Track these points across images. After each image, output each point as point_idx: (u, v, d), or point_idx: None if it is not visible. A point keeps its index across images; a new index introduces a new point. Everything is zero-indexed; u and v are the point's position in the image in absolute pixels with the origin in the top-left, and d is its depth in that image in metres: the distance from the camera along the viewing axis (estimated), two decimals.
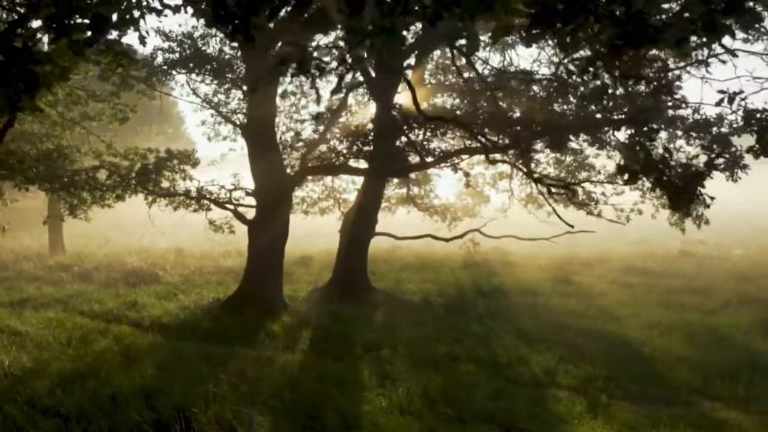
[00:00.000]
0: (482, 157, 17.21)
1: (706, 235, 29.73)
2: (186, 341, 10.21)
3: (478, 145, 10.51)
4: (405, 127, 10.53)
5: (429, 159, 11.25)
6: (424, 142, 11.00)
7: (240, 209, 13.31)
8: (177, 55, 13.44)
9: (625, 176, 5.18)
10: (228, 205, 12.78)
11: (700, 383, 8.16)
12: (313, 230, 25.91)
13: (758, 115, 7.27)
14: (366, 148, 11.41)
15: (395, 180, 20.05)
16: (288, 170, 12.95)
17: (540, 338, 10.38)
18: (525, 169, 11.07)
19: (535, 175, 11.69)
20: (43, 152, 13.29)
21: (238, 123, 13.41)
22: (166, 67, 13.05)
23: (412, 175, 16.71)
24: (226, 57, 12.98)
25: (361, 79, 12.23)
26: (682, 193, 3.92)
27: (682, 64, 15.00)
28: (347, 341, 10.10)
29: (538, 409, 7.09)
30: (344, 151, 11.80)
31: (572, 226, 13.42)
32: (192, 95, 14.21)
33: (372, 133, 11.26)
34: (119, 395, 6.84)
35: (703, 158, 8.32)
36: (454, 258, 20.66)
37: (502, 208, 19.95)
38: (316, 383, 7.49)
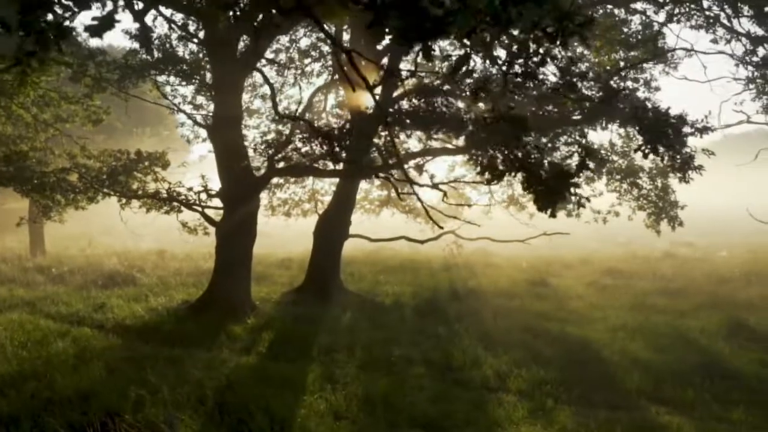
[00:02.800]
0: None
1: (695, 236, 29.69)
2: (144, 343, 10.19)
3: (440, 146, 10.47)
4: (369, 128, 10.51)
5: (392, 160, 11.21)
6: (387, 143, 10.98)
7: (212, 211, 13.31)
8: (148, 57, 13.45)
9: (487, 175, 5.13)
10: (196, 207, 12.76)
11: (651, 387, 8.07)
12: (304, 232, 26.00)
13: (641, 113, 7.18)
14: (332, 149, 11.37)
15: (377, 182, 20.07)
16: (256, 172, 12.91)
17: (501, 341, 10.31)
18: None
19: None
20: (14, 153, 13.31)
21: (204, 124, 13.40)
22: (131, 70, 13.04)
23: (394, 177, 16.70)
24: (194, 58, 12.99)
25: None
26: (550, 193, 3.85)
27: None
28: (305, 343, 10.06)
29: (477, 413, 7.03)
30: (310, 152, 11.77)
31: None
32: (163, 98, 14.14)
33: (338, 134, 11.22)
34: (58, 398, 6.82)
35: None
36: (436, 260, 20.62)
37: (484, 211, 19.93)
38: (257, 386, 7.45)
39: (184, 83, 13.08)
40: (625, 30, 13.35)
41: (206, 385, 7.49)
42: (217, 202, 12.94)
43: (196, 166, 18.11)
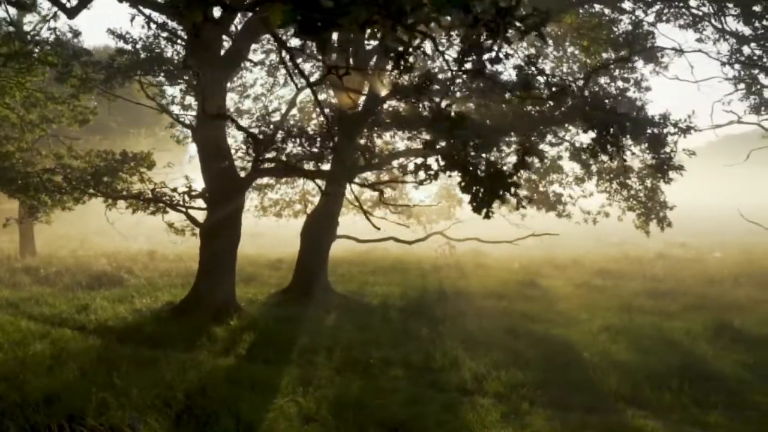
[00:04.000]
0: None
1: (690, 237, 29.56)
2: (124, 345, 10.13)
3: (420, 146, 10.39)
4: (350, 129, 10.43)
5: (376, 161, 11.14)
6: (368, 144, 10.91)
7: (200, 212, 13.24)
8: (134, 57, 13.42)
9: (421, 174, 5.04)
10: (180, 208, 12.70)
11: (629, 390, 7.97)
12: (299, 232, 25.93)
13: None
14: (315, 150, 11.31)
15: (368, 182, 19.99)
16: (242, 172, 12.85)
17: (483, 342, 10.22)
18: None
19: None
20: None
21: (187, 124, 13.34)
22: (117, 70, 13.00)
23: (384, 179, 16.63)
24: (179, 59, 12.94)
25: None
26: (487, 193, 3.75)
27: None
28: (285, 345, 9.99)
29: (449, 416, 6.95)
30: (294, 153, 11.70)
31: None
32: (148, 98, 14.09)
33: (319, 134, 11.15)
34: (25, 400, 6.76)
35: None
36: (428, 261, 20.55)
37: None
38: (228, 388, 7.39)
39: (168, 84, 13.01)
40: (615, 30, 13.27)
41: (177, 387, 7.42)
42: (202, 203, 12.88)
43: (186, 167, 18.04)
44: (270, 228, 25.20)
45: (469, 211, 19.26)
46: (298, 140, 11.02)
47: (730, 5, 11.13)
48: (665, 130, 8.91)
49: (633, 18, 14.76)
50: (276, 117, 14.87)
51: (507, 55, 3.99)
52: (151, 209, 13.56)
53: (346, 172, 10.55)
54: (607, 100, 9.61)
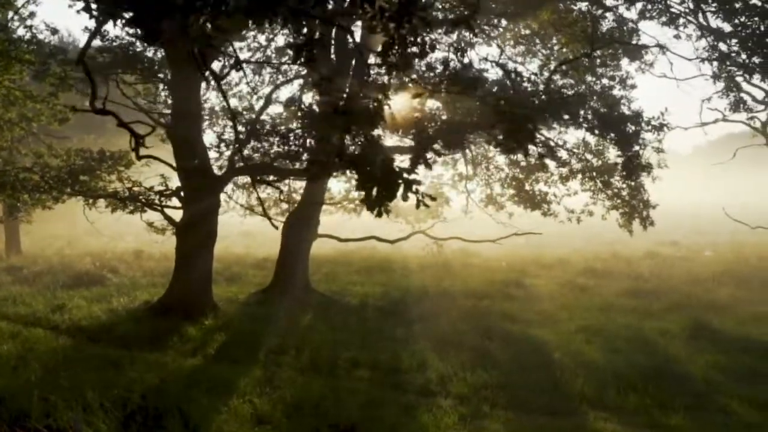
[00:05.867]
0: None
1: (685, 235, 29.37)
2: (93, 345, 10.07)
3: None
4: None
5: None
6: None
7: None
8: (112, 56, 13.33)
9: (313, 170, 4.93)
10: (156, 207, 12.62)
11: (594, 392, 7.85)
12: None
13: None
14: (289, 148, 11.20)
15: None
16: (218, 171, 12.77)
17: (456, 343, 10.10)
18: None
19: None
20: None
21: (163, 123, 13.25)
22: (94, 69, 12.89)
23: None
24: (153, 58, 12.86)
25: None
26: (380, 192, 3.64)
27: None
28: (255, 345, 9.90)
29: (406, 419, 6.85)
30: (269, 151, 11.60)
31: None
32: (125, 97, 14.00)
33: (294, 132, 11.05)
34: None
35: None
36: (415, 260, 20.43)
37: (462, 210, 19.70)
38: (186, 389, 7.31)
39: (143, 83, 12.93)
40: (588, 25, 13.11)
41: (136, 388, 7.35)
42: (178, 202, 12.80)
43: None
44: (260, 227, 25.09)
45: (456, 210, 19.07)
46: (271, 139, 10.92)
47: (709, 1, 10.98)
48: (636, 128, 8.75)
49: (617, 15, 14.64)
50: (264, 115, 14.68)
51: (432, 47, 3.87)
52: (130, 208, 13.50)
53: (321, 170, 10.44)
54: (567, 97, 9.45)
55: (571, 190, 16.24)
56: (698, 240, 25.96)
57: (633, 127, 8.66)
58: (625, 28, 15.26)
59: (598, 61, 15.68)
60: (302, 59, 3.00)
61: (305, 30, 2.90)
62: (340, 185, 19.89)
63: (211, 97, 16.99)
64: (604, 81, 15.87)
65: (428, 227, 16.08)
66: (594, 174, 14.52)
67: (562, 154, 14.62)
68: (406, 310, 13.02)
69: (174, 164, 12.36)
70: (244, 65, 14.15)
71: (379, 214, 3.85)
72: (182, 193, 12.18)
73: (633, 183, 12.87)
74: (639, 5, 13.42)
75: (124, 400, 6.83)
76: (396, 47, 3.63)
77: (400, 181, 3.76)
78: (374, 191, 3.76)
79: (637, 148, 8.98)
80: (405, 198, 3.85)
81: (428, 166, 5.39)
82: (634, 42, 14.78)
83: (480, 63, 15.70)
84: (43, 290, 14.50)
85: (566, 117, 9.00)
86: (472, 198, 18.53)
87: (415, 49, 3.75)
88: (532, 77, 10.77)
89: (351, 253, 21.32)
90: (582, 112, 8.83)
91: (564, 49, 14.75)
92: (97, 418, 6.13)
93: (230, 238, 30.21)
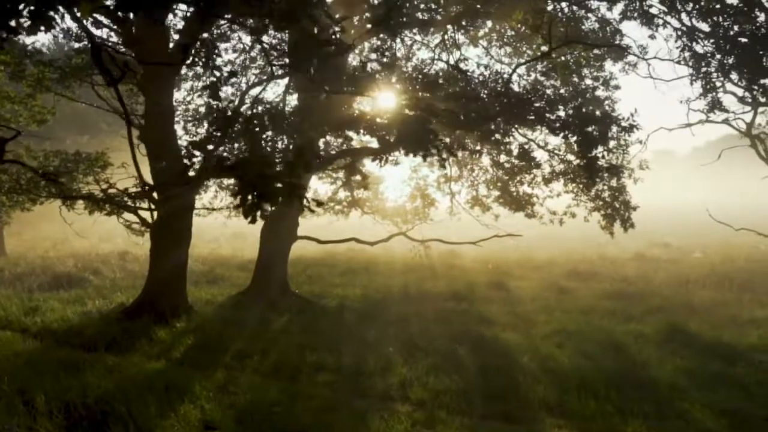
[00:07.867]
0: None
1: (675, 237, 29.17)
2: (60, 348, 9.99)
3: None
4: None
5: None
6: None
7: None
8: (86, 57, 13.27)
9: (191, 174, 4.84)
10: (129, 207, 12.52)
11: (555, 397, 7.73)
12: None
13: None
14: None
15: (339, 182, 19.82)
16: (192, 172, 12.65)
17: (424, 347, 9.99)
18: None
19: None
20: None
21: (136, 124, 13.15)
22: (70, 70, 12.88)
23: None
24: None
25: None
26: (255, 198, 3.53)
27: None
28: (222, 349, 9.83)
29: (359, 425, 6.74)
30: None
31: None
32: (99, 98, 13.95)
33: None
34: None
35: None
36: (403, 262, 20.31)
37: (448, 212, 19.59)
38: (140, 394, 7.21)
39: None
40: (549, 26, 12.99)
41: (91, 392, 7.27)
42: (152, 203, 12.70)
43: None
44: (251, 229, 24.94)
45: (442, 212, 18.89)
46: (242, 139, 10.82)
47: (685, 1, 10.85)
48: (602, 129, 8.62)
49: (599, 15, 14.52)
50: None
51: (346, 50, 3.77)
52: (107, 210, 13.43)
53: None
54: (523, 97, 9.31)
55: (554, 191, 16.15)
56: (690, 241, 25.75)
57: (598, 129, 8.53)
58: (608, 28, 15.16)
59: (583, 61, 15.59)
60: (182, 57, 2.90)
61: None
62: (326, 187, 19.80)
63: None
64: (588, 81, 15.78)
65: (409, 229, 15.98)
66: (573, 176, 14.41)
67: (543, 155, 14.53)
68: (383, 313, 12.91)
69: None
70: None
71: (253, 221, 3.75)
72: (155, 194, 12.07)
73: (618, 184, 12.74)
74: (620, 5, 13.26)
75: (76, 405, 6.77)
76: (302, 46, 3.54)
77: (281, 185, 3.66)
78: (249, 198, 3.66)
79: (600, 149, 8.87)
80: (290, 204, 3.75)
81: (307, 170, 5.23)
82: (617, 43, 14.63)
83: (435, 63, 15.51)
84: (21, 292, 14.44)
85: (531, 118, 8.89)
86: (457, 200, 18.42)
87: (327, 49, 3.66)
88: (498, 78, 10.62)
89: (338, 254, 21.25)
90: (548, 114, 8.69)
91: (543, 48, 14.63)
92: (41, 423, 6.06)
93: (220, 240, 30.24)
